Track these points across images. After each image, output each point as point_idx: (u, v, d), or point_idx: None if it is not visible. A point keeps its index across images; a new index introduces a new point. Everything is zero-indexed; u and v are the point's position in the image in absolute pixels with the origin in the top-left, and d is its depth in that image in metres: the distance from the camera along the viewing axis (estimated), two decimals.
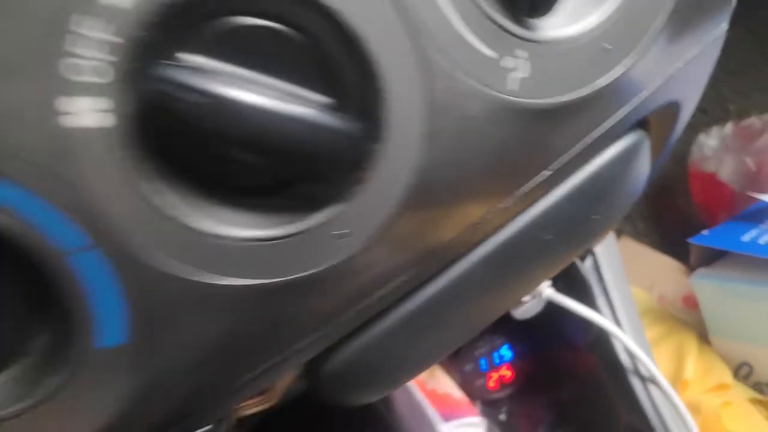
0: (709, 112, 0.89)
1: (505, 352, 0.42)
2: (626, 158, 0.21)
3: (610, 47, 0.17)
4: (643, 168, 0.22)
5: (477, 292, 0.20)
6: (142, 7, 0.13)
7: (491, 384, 0.42)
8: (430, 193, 0.17)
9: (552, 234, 0.20)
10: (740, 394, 0.42)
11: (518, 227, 0.20)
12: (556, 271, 0.23)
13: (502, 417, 0.42)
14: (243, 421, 0.25)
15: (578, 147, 0.19)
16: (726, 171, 0.69)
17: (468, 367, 0.42)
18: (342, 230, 0.16)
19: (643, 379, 0.35)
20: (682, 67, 0.20)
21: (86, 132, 0.13)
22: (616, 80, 0.18)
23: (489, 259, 0.20)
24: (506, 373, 0.42)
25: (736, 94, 0.89)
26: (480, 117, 0.16)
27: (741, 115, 0.78)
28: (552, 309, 0.36)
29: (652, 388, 0.35)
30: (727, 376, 0.43)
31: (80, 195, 0.14)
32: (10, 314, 0.15)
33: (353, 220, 0.16)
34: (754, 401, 0.42)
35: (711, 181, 0.70)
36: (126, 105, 0.13)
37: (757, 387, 0.45)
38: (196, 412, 0.19)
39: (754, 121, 0.72)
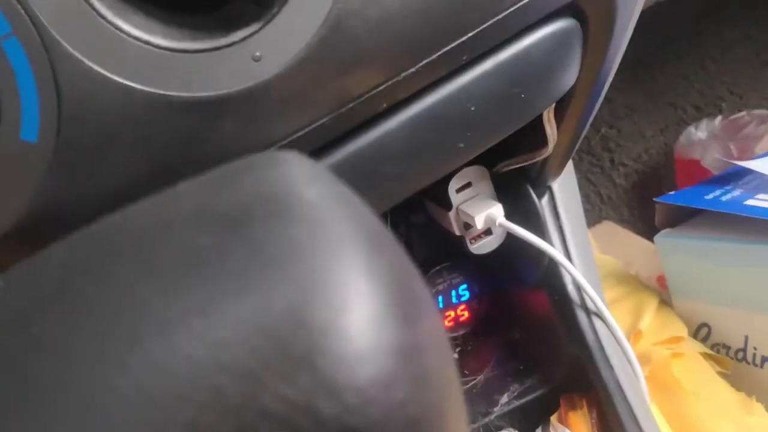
0: (704, 110, 0.90)
1: (463, 291, 0.43)
2: (553, 43, 0.22)
3: None
4: (571, 59, 0.23)
5: (403, 152, 0.21)
6: None
7: (447, 323, 0.43)
8: (350, 32, 0.18)
9: (475, 105, 0.22)
10: (693, 348, 0.43)
11: (444, 94, 0.21)
12: (479, 148, 0.24)
13: (454, 356, 0.43)
14: None
15: (496, 18, 0.20)
16: (709, 158, 0.70)
17: None
18: (258, 52, 0.17)
19: (588, 312, 0.36)
20: None
21: None
22: None
23: (415, 119, 0.21)
24: (463, 313, 0.43)
25: (731, 93, 0.90)
26: None
27: (733, 112, 0.78)
28: (507, 248, 0.37)
29: (597, 321, 0.36)
30: (681, 332, 0.43)
31: None
32: None
33: (269, 43, 0.17)
34: (706, 356, 0.43)
35: (695, 167, 0.71)
36: None
37: (715, 349, 0.46)
38: None
39: (743, 115, 0.73)
